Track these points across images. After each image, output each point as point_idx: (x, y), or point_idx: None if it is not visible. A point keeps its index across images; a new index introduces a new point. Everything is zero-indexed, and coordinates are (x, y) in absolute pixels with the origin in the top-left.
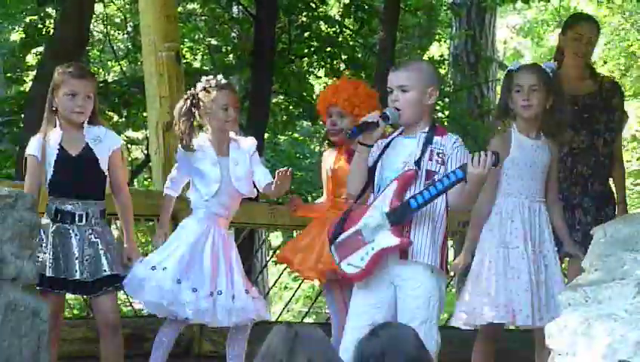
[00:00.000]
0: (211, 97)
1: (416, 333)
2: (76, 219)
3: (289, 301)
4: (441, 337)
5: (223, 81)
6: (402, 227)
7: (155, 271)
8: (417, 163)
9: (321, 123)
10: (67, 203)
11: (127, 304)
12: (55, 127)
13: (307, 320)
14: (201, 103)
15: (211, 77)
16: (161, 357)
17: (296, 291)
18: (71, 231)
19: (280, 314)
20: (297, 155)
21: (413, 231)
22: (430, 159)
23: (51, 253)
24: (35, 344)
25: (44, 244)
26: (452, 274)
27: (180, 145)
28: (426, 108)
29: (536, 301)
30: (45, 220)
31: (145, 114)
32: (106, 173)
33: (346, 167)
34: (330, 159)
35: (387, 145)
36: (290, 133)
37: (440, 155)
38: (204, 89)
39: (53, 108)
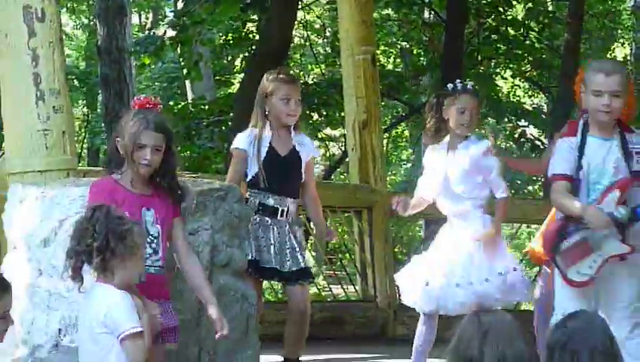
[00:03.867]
0: (453, 99)
1: (606, 324)
2: (278, 213)
3: None
4: None
5: (469, 86)
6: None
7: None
8: (627, 166)
9: (506, 120)
10: (270, 198)
11: (327, 289)
12: (264, 127)
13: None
14: (445, 102)
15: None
16: (422, 354)
17: None
18: (272, 225)
19: None
20: None
21: (631, 236)
22: (633, 160)
23: (254, 243)
24: (244, 326)
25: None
26: None
27: (423, 140)
28: None
29: None
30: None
31: (342, 113)
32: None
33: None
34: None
35: (582, 145)
36: (476, 129)
37: (639, 155)
38: (452, 89)
39: (266, 112)
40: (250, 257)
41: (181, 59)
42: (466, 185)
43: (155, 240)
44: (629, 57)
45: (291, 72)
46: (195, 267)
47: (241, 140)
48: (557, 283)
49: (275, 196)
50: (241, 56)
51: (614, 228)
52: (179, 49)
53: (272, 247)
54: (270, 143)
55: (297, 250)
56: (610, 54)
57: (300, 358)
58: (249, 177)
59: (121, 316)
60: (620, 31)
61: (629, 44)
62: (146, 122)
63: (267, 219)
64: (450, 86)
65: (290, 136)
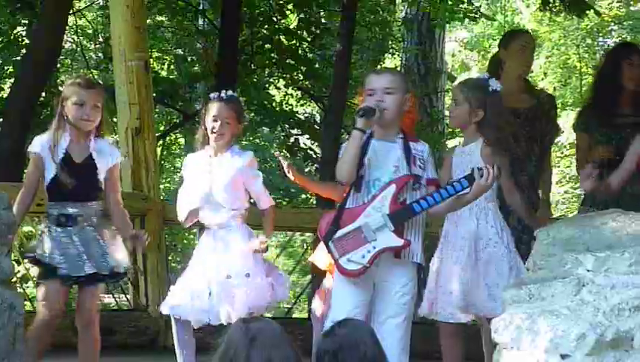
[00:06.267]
0: (206, 108)
1: (373, 331)
2: (78, 221)
3: None
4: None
5: (220, 95)
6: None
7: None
8: (408, 168)
9: (279, 129)
10: (67, 207)
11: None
12: (64, 132)
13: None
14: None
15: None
16: (190, 355)
17: None
18: (74, 233)
19: None
20: (258, 159)
21: (408, 232)
22: (414, 164)
23: (61, 253)
24: (12, 336)
25: (52, 246)
26: None
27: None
28: (401, 114)
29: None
30: (43, 225)
31: (115, 119)
32: (102, 181)
33: None
34: None
35: (365, 146)
36: (251, 138)
37: (421, 161)
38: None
39: (65, 117)
40: (59, 272)
41: None
42: (228, 194)
43: None
44: (399, 68)
45: (93, 78)
46: None
47: (36, 144)
48: (335, 277)
49: (73, 203)
50: (12, 60)
51: (389, 222)
52: None
53: (83, 255)
54: (66, 149)
55: (106, 253)
56: (381, 65)
57: None
58: (46, 183)
59: None
60: (390, 42)
61: (399, 54)
62: None
63: (70, 228)
64: (210, 96)
65: (88, 143)
